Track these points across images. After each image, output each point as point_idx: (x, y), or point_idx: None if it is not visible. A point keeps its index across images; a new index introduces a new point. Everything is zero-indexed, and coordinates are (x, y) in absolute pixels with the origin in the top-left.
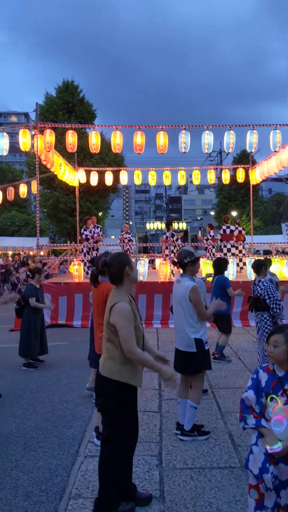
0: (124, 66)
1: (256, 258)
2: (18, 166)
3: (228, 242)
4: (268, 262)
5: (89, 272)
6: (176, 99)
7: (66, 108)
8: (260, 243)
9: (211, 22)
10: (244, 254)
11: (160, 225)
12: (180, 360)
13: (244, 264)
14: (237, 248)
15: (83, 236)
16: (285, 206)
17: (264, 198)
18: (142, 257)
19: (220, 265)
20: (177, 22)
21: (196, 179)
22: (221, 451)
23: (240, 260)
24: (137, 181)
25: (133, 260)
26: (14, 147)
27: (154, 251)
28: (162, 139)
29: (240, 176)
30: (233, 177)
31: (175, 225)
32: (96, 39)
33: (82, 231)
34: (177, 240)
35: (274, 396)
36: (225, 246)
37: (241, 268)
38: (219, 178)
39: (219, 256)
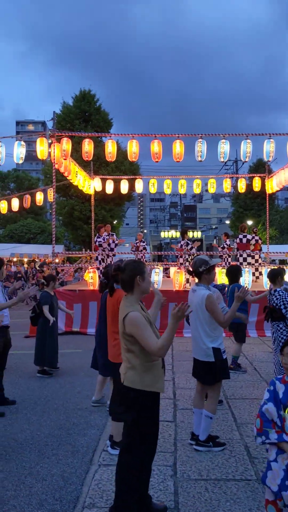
0: (140, 75)
1: (272, 267)
2: (34, 174)
3: (244, 251)
4: (283, 272)
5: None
6: (192, 108)
7: (82, 117)
8: (276, 253)
9: (227, 32)
10: (260, 264)
11: (175, 233)
12: (199, 370)
13: (260, 273)
14: (253, 257)
15: (96, 244)
16: None
17: (280, 208)
18: (157, 265)
19: (234, 273)
20: (194, 33)
21: (212, 188)
22: (236, 463)
23: (256, 269)
24: (152, 189)
25: (147, 269)
26: (31, 155)
27: (168, 259)
28: (178, 147)
29: (256, 185)
30: (249, 186)
31: (190, 234)
32: (114, 48)
33: (95, 239)
34: (191, 249)
35: None
36: (241, 255)
37: (257, 277)
38: (234, 187)
39: (233, 264)
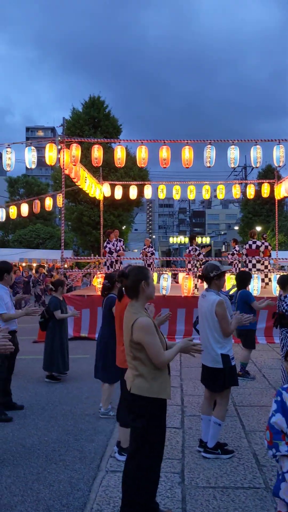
0: (150, 81)
1: (282, 273)
2: (44, 179)
3: (254, 257)
4: None
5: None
6: (201, 114)
7: (92, 123)
8: (285, 259)
9: (239, 37)
10: (269, 270)
11: (183, 239)
12: (208, 376)
13: (270, 280)
14: (262, 263)
15: (106, 249)
16: None
17: None
18: (165, 271)
19: (243, 279)
20: (205, 38)
21: (221, 194)
22: (245, 470)
23: (266, 275)
24: (161, 195)
25: (153, 275)
26: (40, 161)
27: (177, 265)
28: (187, 153)
29: (265, 191)
30: (258, 192)
31: (199, 240)
32: (123, 54)
33: (105, 244)
34: (199, 255)
35: None
36: (250, 261)
37: (266, 284)
38: (243, 192)
39: (243, 270)
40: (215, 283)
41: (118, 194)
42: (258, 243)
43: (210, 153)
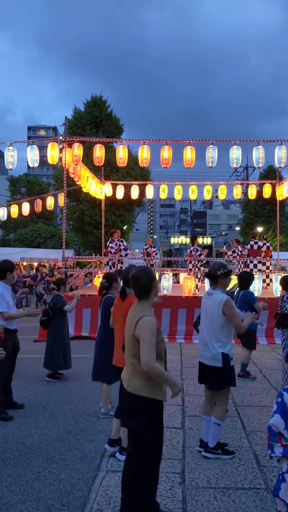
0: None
1: (283, 274)
2: (45, 179)
3: (255, 257)
4: None
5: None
6: (203, 114)
7: (94, 123)
8: (286, 260)
9: (240, 38)
10: (270, 271)
11: (184, 239)
12: (205, 374)
13: (271, 280)
14: (264, 264)
15: (108, 249)
16: None
17: None
18: (167, 271)
19: (245, 280)
20: (207, 38)
21: (222, 194)
22: (245, 471)
23: (267, 276)
24: (163, 195)
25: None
26: (42, 160)
27: (178, 265)
28: (189, 153)
29: (267, 192)
30: (260, 193)
31: (200, 240)
32: (125, 54)
33: (108, 243)
34: (200, 255)
35: None
36: (251, 262)
37: (268, 284)
38: (245, 193)
39: (245, 270)
40: (222, 281)
41: (120, 193)
42: (260, 243)
43: (212, 153)
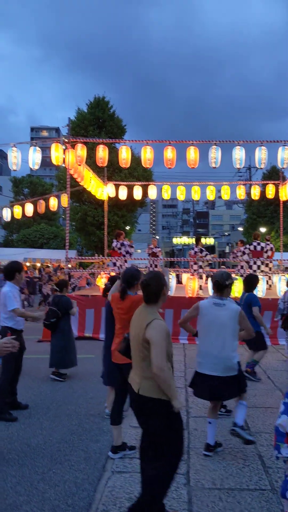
0: (155, 82)
1: (287, 275)
2: (48, 179)
3: (258, 258)
4: None
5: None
6: (206, 115)
7: (96, 124)
8: None
9: (242, 38)
10: (273, 272)
11: (187, 240)
12: (221, 387)
13: (272, 282)
14: (267, 265)
15: (116, 250)
16: None
17: None
18: (169, 272)
19: (250, 282)
20: (208, 39)
21: (226, 195)
22: (250, 472)
23: (270, 277)
24: (166, 195)
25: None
26: (44, 161)
27: (180, 266)
28: (192, 153)
29: (270, 192)
30: (263, 193)
31: (203, 241)
32: (128, 54)
33: (115, 243)
34: (206, 255)
35: None
36: (254, 263)
37: (270, 285)
38: (248, 193)
39: (250, 272)
40: (227, 291)
41: (122, 194)
42: (263, 244)
43: (215, 154)
